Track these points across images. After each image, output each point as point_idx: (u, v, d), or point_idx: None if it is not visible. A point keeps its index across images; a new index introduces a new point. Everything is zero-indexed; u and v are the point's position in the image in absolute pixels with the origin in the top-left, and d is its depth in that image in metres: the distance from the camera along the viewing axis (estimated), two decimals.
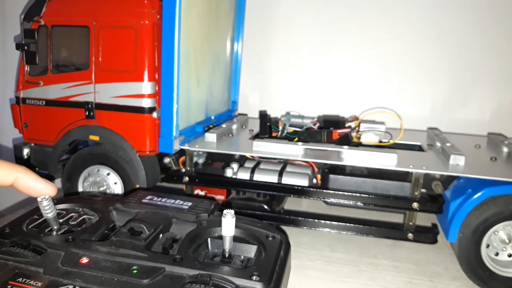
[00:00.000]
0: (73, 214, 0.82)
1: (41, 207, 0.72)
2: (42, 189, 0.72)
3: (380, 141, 1.92)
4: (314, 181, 1.77)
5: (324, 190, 1.65)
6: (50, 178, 1.96)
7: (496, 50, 2.26)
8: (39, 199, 0.71)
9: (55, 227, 0.75)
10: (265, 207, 1.76)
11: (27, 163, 1.95)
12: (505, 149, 1.83)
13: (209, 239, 0.77)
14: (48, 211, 0.72)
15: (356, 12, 2.35)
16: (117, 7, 1.72)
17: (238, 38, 2.39)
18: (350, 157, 1.63)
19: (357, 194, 1.62)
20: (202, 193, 1.94)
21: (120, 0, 1.73)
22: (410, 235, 1.60)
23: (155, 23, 1.68)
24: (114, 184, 1.83)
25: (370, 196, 1.61)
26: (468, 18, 2.25)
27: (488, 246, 1.50)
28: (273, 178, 1.70)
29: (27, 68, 1.88)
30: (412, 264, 1.62)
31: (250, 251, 0.76)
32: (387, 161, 1.59)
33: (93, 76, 1.77)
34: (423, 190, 1.66)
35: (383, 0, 2.32)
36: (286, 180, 1.69)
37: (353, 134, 1.93)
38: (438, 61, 2.32)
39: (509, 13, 2.21)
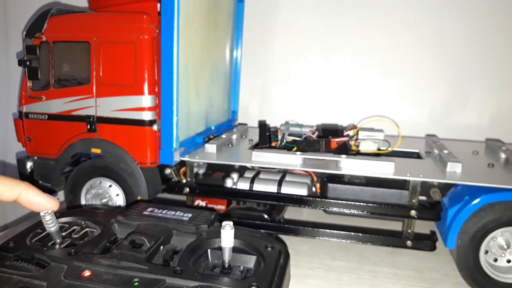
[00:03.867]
0: (75, 227, 0.84)
1: (43, 222, 0.74)
2: (44, 204, 0.73)
3: (379, 149, 1.93)
4: (313, 190, 1.78)
5: (323, 199, 1.66)
6: (51, 191, 1.99)
7: (495, 55, 2.27)
8: (41, 214, 0.73)
9: (58, 241, 0.76)
10: (265, 216, 1.77)
11: (31, 176, 1.97)
12: (503, 155, 1.84)
13: (209, 250, 0.78)
14: (51, 225, 0.74)
15: (355, 18, 2.37)
16: (117, 23, 1.75)
17: (237, 48, 2.41)
18: (348, 166, 1.64)
19: (356, 203, 1.63)
20: (203, 203, 1.95)
21: (119, 15, 1.77)
22: (409, 243, 1.61)
23: (154, 38, 1.71)
24: (116, 196, 1.85)
25: (369, 204, 1.62)
26: (467, 24, 2.26)
27: (486, 252, 1.51)
28: (272, 188, 1.71)
29: (29, 83, 1.91)
30: (412, 271, 1.63)
31: (250, 261, 0.77)
32: (385, 169, 1.60)
33: (94, 90, 1.80)
34: (423, 198, 1.67)
35: (383, 6, 2.33)
36: (285, 189, 1.70)
37: (352, 142, 1.94)
38: (437, 67, 2.33)
39: (508, 19, 2.23)
